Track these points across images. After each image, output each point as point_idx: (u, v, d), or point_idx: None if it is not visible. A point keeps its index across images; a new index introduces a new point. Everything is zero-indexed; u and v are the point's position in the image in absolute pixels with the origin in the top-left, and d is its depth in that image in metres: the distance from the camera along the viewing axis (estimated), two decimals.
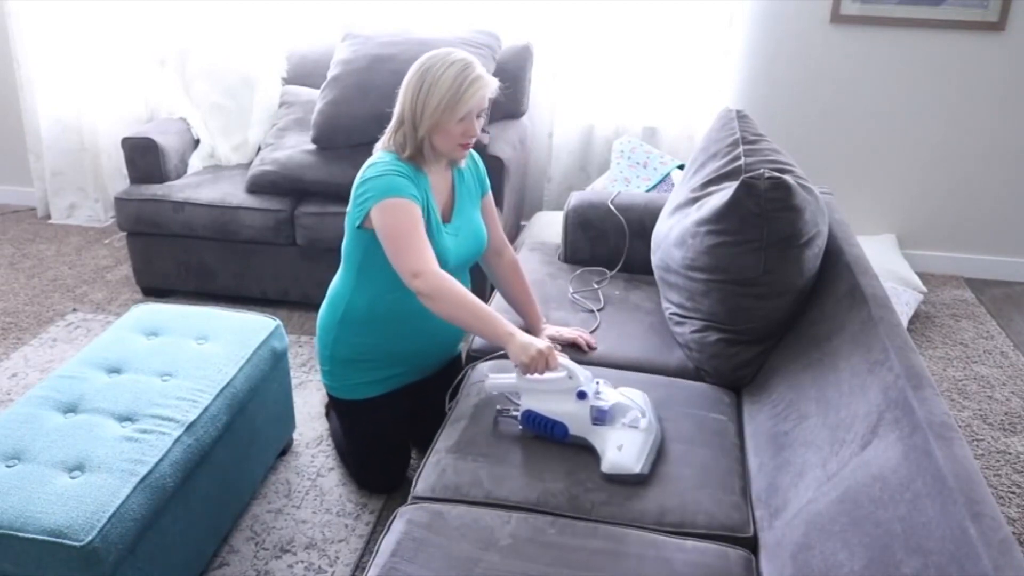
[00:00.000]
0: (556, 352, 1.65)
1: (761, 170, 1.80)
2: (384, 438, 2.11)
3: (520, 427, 1.69)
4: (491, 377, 1.77)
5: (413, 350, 2.01)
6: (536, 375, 1.64)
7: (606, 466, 1.58)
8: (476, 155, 2.09)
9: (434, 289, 1.68)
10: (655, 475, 1.60)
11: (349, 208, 1.87)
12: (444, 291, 1.68)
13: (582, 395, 1.64)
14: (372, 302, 1.92)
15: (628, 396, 1.69)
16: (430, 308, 1.70)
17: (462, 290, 1.70)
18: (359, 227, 1.82)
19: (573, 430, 1.65)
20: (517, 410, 1.70)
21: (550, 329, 2.09)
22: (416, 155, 1.85)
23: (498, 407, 1.76)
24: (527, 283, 2.14)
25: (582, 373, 1.66)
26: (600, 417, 1.63)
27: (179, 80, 3.42)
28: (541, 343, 1.64)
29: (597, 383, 1.68)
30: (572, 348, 2.04)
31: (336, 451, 2.29)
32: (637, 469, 1.56)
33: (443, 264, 1.83)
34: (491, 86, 1.84)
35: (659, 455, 1.64)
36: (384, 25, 3.26)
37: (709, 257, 1.88)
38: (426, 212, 1.83)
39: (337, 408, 2.12)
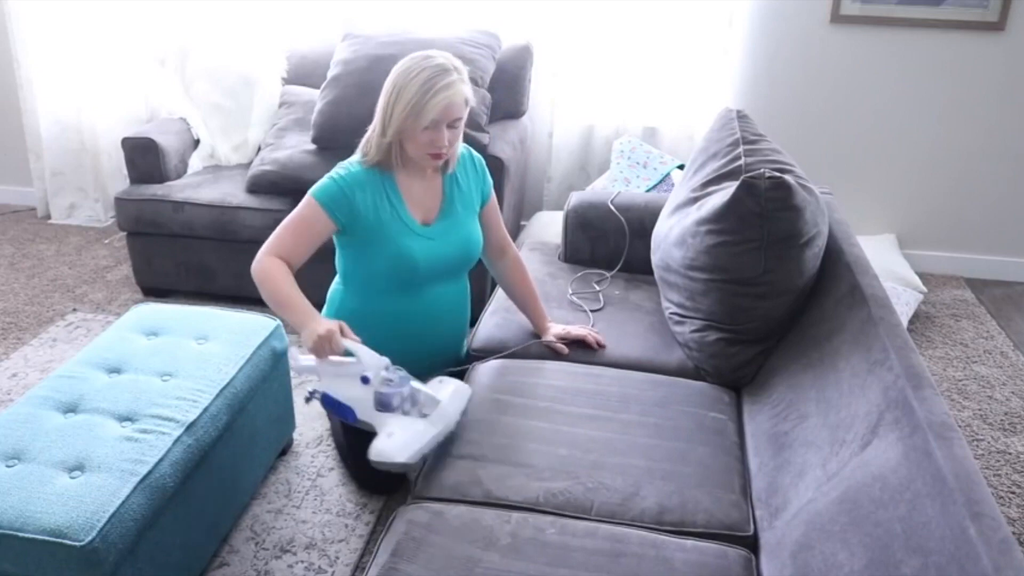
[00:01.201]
0: (348, 338, 1.69)
1: (761, 170, 1.80)
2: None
3: (325, 408, 1.76)
4: (294, 358, 1.80)
5: (409, 353, 1.98)
6: (329, 359, 1.69)
7: (371, 453, 1.60)
8: (479, 159, 2.07)
9: (256, 273, 1.81)
10: (656, 473, 1.60)
11: None
12: (262, 274, 1.79)
13: (365, 380, 1.66)
14: (362, 304, 1.97)
15: (435, 388, 1.71)
16: (257, 284, 1.81)
17: (278, 278, 1.78)
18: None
19: (360, 414, 1.68)
20: (318, 393, 1.76)
21: (556, 328, 2.09)
22: (384, 160, 1.87)
23: (310, 388, 1.80)
24: (531, 283, 2.14)
25: (371, 359, 1.67)
26: (384, 403, 1.65)
27: (179, 80, 3.42)
28: (323, 327, 1.67)
29: (387, 370, 1.69)
30: (581, 346, 2.04)
31: (336, 451, 2.29)
32: (401, 459, 1.56)
33: (412, 265, 1.89)
34: (462, 94, 1.79)
35: (446, 443, 1.64)
36: (384, 25, 3.27)
37: (709, 257, 1.88)
38: (379, 214, 1.87)
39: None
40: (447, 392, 1.72)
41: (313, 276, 3.03)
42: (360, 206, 1.86)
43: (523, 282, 2.13)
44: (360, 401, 1.68)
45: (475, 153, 2.06)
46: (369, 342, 1.91)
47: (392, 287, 1.94)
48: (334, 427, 2.29)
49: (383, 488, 2.15)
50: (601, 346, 2.06)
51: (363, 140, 1.92)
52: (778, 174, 1.79)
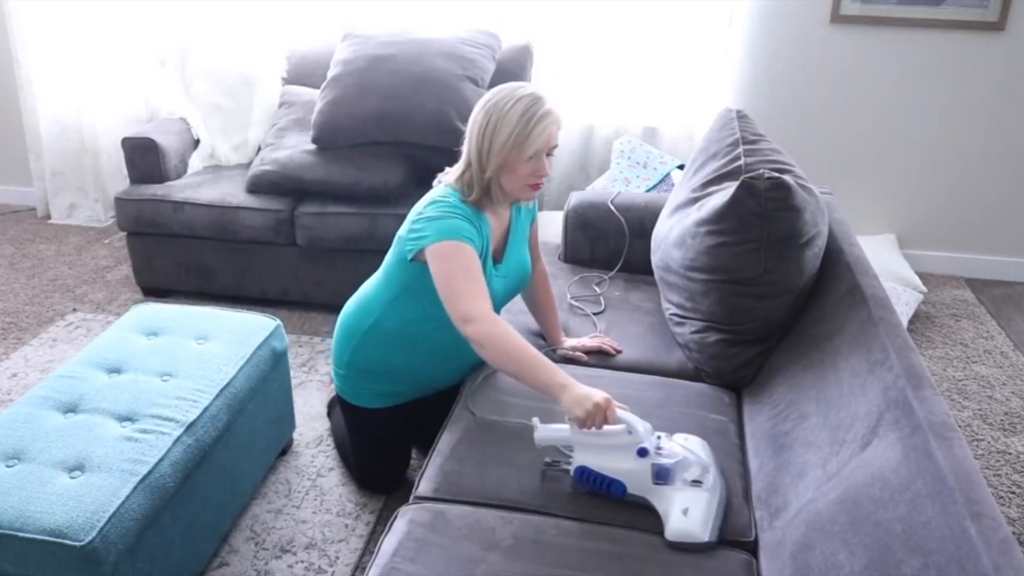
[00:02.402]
0: (616, 405, 1.52)
1: (761, 170, 1.80)
2: (388, 443, 2.11)
3: (573, 482, 1.56)
4: (541, 428, 1.60)
5: (432, 373, 1.98)
6: (592, 429, 1.51)
7: (671, 533, 1.44)
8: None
9: (486, 337, 1.61)
10: None
11: (402, 234, 1.80)
12: (497, 339, 1.60)
13: (643, 452, 1.49)
14: (403, 324, 1.87)
15: (689, 447, 1.55)
16: (480, 354, 1.64)
17: (514, 339, 1.61)
18: (410, 260, 1.77)
19: (632, 489, 1.51)
20: (568, 463, 1.57)
21: (571, 341, 2.07)
22: (482, 197, 1.78)
23: (547, 459, 1.61)
24: (553, 296, 2.11)
25: (642, 426, 1.51)
26: (662, 476, 1.49)
27: (179, 80, 3.42)
28: (598, 395, 1.51)
29: (659, 437, 1.54)
30: (598, 354, 2.04)
31: (337, 450, 2.29)
32: (706, 537, 1.43)
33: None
34: (559, 122, 1.75)
35: (725, 516, 1.50)
36: (384, 25, 3.26)
37: (709, 257, 1.88)
38: (482, 257, 1.76)
39: (344, 410, 2.11)
40: (701, 451, 1.56)
41: (313, 276, 3.00)
42: (477, 238, 1.75)
43: (546, 294, 2.10)
44: (634, 474, 1.50)
45: None
46: (394, 359, 1.87)
47: (447, 323, 1.73)
48: (335, 427, 2.29)
49: (383, 488, 2.15)
50: (618, 351, 2.05)
51: (451, 178, 1.82)
52: (777, 174, 1.79)
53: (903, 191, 3.52)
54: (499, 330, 1.61)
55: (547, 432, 1.59)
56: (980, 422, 2.54)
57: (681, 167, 3.21)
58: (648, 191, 3.07)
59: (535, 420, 1.61)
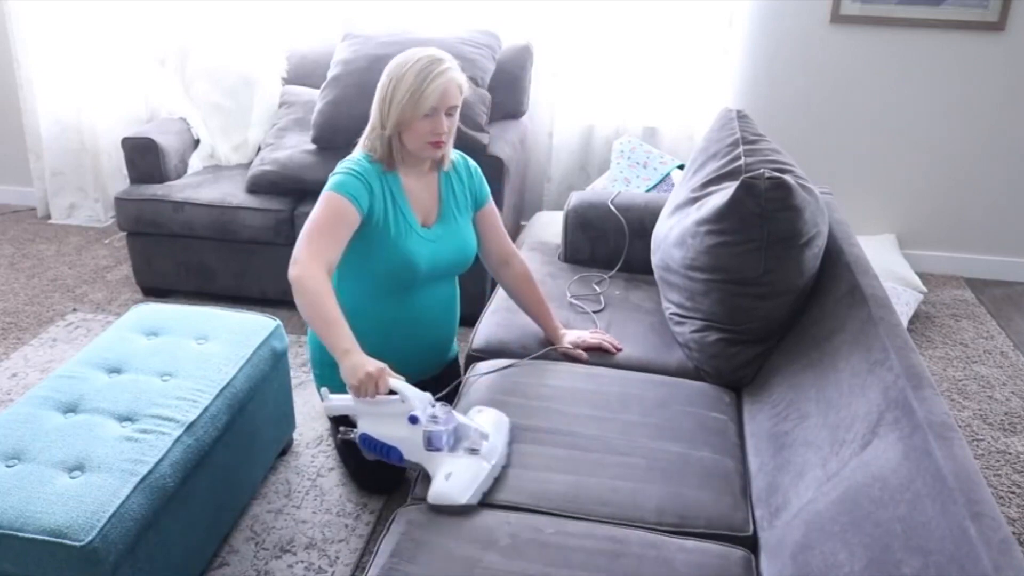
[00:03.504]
0: (391, 375, 1.59)
1: (761, 170, 1.80)
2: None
3: (363, 451, 1.66)
4: (329, 398, 1.70)
5: (399, 354, 1.93)
6: (369, 398, 1.58)
7: (431, 496, 1.51)
8: (473, 166, 2.06)
9: (296, 282, 1.67)
10: (656, 474, 1.59)
11: None
12: (305, 286, 1.66)
13: (413, 420, 1.56)
14: (354, 304, 1.88)
15: (478, 420, 1.64)
16: (294, 298, 1.70)
17: (321, 292, 1.66)
18: None
19: (407, 455, 1.59)
20: (354, 434, 1.65)
21: (571, 335, 2.07)
22: (386, 156, 1.87)
23: (340, 428, 1.72)
24: (539, 292, 2.11)
25: (417, 397, 1.58)
26: (434, 442, 1.56)
27: (179, 80, 3.42)
28: (372, 365, 1.57)
29: (434, 406, 1.60)
30: (597, 351, 2.04)
31: (337, 452, 2.29)
32: (463, 500, 1.49)
33: (413, 268, 1.87)
34: (457, 81, 1.82)
35: (496, 480, 1.56)
36: (384, 25, 3.27)
37: (709, 257, 1.88)
38: (387, 214, 1.85)
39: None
40: (490, 423, 1.65)
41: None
42: (375, 196, 1.84)
43: (531, 292, 2.09)
44: (407, 441, 1.59)
45: (470, 160, 2.06)
46: (360, 344, 1.89)
47: (388, 289, 1.93)
48: (336, 429, 2.29)
49: (383, 488, 2.15)
50: (618, 349, 2.05)
51: (362, 139, 1.92)
52: (778, 174, 1.79)
53: (903, 191, 3.52)
54: (310, 283, 1.66)
55: (334, 402, 1.69)
56: (980, 422, 2.54)
57: (681, 167, 3.21)
58: (648, 191, 3.08)
59: (323, 390, 1.72)
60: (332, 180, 1.83)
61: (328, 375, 2.00)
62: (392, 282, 1.93)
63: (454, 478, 1.52)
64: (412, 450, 1.59)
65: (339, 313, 1.66)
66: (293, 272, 1.69)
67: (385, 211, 1.86)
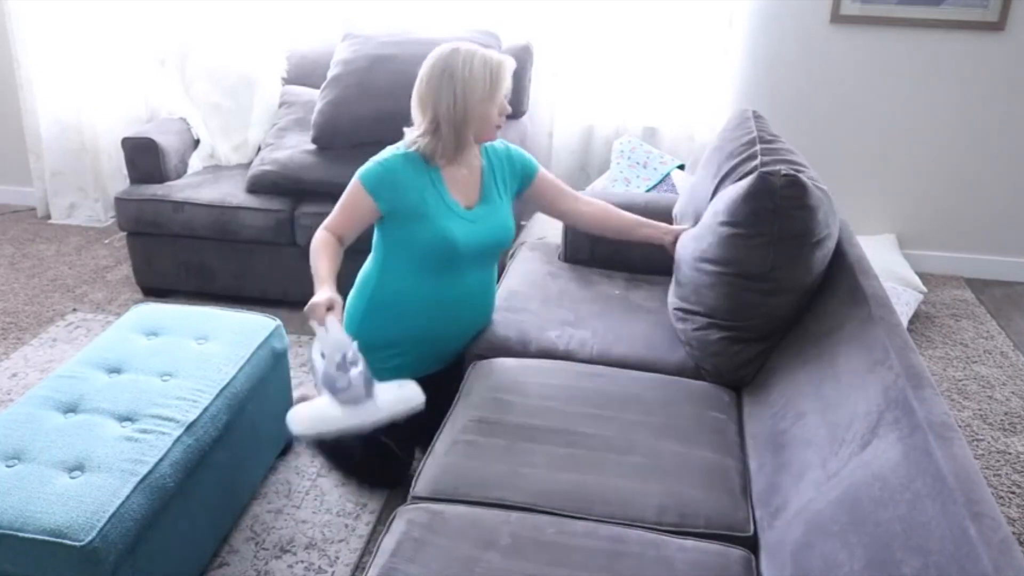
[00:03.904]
0: (333, 313, 1.73)
1: (778, 167, 1.80)
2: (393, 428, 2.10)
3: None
4: (307, 420, 1.75)
5: (440, 336, 2.08)
6: (315, 327, 1.74)
7: (288, 414, 1.70)
8: (514, 150, 2.14)
9: (312, 243, 1.92)
10: (656, 473, 1.59)
11: None
12: (312, 244, 1.92)
13: (322, 355, 1.71)
14: (398, 287, 2.00)
15: (387, 389, 1.74)
16: None
17: (319, 249, 1.90)
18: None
19: (317, 380, 1.74)
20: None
21: (674, 229, 2.21)
22: (445, 151, 1.94)
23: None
24: (622, 213, 2.23)
25: (334, 339, 1.70)
26: (326, 381, 1.69)
27: (179, 80, 3.42)
28: (322, 296, 1.76)
29: (349, 354, 1.69)
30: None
31: (324, 458, 2.26)
32: (296, 430, 1.69)
33: (454, 246, 1.96)
34: (511, 62, 1.96)
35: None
36: (384, 25, 3.26)
37: (720, 249, 1.88)
38: (425, 199, 1.94)
39: None
40: (390, 396, 1.73)
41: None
42: (406, 188, 1.93)
43: (616, 217, 2.22)
44: (318, 372, 1.73)
45: (510, 144, 2.14)
46: (403, 324, 2.03)
47: (430, 269, 1.99)
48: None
49: (384, 482, 2.15)
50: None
51: (419, 142, 1.94)
52: (794, 172, 1.79)
53: (903, 191, 3.52)
54: (315, 242, 1.92)
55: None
56: (980, 422, 2.54)
57: (681, 167, 3.21)
58: (648, 191, 3.07)
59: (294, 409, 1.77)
60: (365, 168, 1.95)
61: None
62: (434, 262, 1.98)
63: (308, 410, 1.71)
64: (317, 379, 1.74)
65: (324, 262, 1.87)
66: (312, 238, 1.93)
67: (422, 193, 1.94)
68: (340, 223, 1.96)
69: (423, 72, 1.94)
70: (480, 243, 2.01)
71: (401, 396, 1.75)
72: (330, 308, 1.75)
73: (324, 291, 1.80)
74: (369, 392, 1.70)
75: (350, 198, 1.95)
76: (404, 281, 2.00)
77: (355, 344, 1.72)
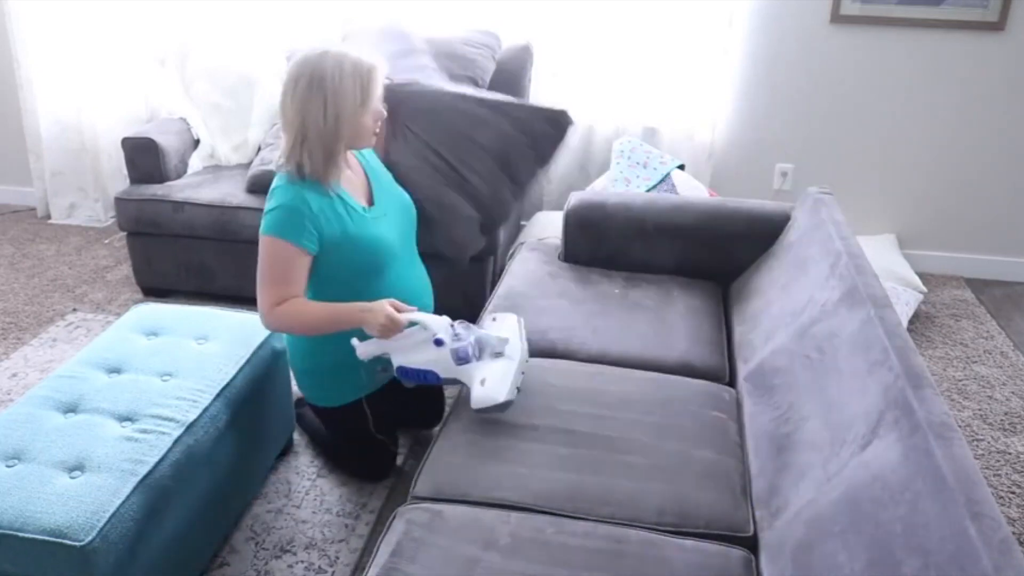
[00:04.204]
0: (406, 310, 1.78)
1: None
2: (381, 422, 2.12)
3: (404, 382, 1.85)
4: (359, 346, 1.83)
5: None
6: (397, 336, 1.76)
7: (474, 403, 1.69)
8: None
9: (276, 326, 1.84)
10: (656, 473, 1.60)
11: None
12: (286, 320, 1.81)
13: (439, 343, 1.75)
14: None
15: (494, 328, 1.85)
16: (287, 332, 1.91)
17: (303, 309, 1.80)
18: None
19: (443, 374, 1.78)
20: (393, 367, 1.83)
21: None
22: (325, 166, 1.80)
23: (378, 368, 1.92)
24: None
25: (436, 322, 1.78)
26: (462, 357, 1.75)
27: (179, 80, 3.42)
28: (383, 314, 1.74)
29: (453, 325, 1.78)
30: None
31: (322, 457, 2.27)
32: (502, 398, 1.67)
33: (388, 249, 1.91)
34: (383, 65, 1.82)
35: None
36: (378, 28, 3.23)
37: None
38: (340, 220, 1.83)
39: (326, 414, 2.12)
40: (508, 327, 1.84)
41: None
42: (319, 219, 1.80)
43: None
44: (438, 362, 1.77)
45: None
46: (350, 346, 1.89)
47: (365, 283, 1.90)
48: (314, 428, 2.30)
49: (379, 475, 2.16)
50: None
51: (282, 160, 1.82)
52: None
53: (903, 191, 3.52)
54: (285, 318, 1.80)
55: (366, 347, 1.83)
56: (980, 422, 2.54)
57: (681, 167, 3.21)
58: (648, 191, 3.08)
59: (353, 341, 1.83)
60: (269, 221, 1.78)
61: (328, 381, 2.03)
62: (369, 273, 1.91)
63: (488, 382, 1.69)
64: (445, 368, 1.77)
65: (327, 306, 1.81)
66: (267, 324, 1.83)
67: (338, 218, 1.83)
68: (283, 292, 1.79)
69: (288, 81, 1.77)
70: (400, 232, 1.99)
71: (509, 324, 1.87)
72: (395, 309, 1.76)
73: (371, 308, 1.76)
74: (495, 335, 1.79)
75: (279, 263, 1.77)
76: (352, 295, 1.87)
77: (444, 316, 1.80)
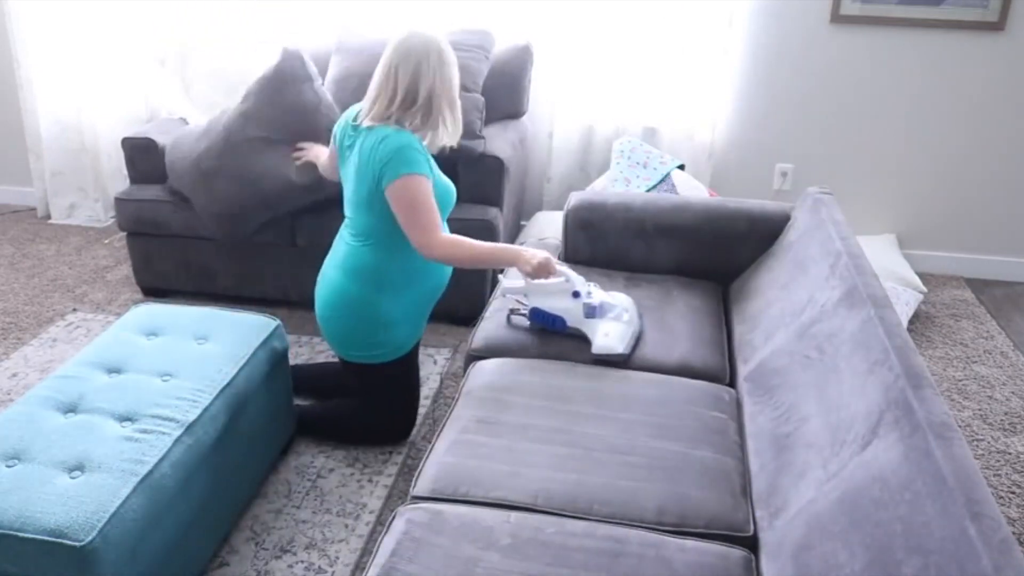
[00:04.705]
0: (554, 261, 2.01)
1: None
2: (418, 373, 2.32)
3: (528, 322, 2.08)
4: (505, 280, 2.13)
5: (443, 276, 2.21)
6: (541, 279, 2.01)
7: (595, 349, 1.97)
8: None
9: (448, 256, 1.99)
10: (657, 473, 1.60)
11: (370, 180, 1.96)
12: (456, 253, 1.99)
13: (576, 295, 2.01)
14: (405, 260, 2.07)
15: (615, 297, 2.08)
16: (447, 265, 2.08)
17: (468, 245, 1.99)
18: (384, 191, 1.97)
19: (570, 323, 2.03)
20: (525, 309, 2.09)
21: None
22: (427, 127, 2.01)
23: (510, 308, 2.14)
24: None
25: (576, 277, 2.03)
26: (590, 312, 2.02)
27: (179, 80, 3.42)
28: (542, 255, 2.00)
29: (589, 285, 2.05)
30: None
31: (336, 429, 2.34)
32: (620, 349, 1.96)
33: (449, 204, 2.13)
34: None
35: (638, 343, 2.04)
36: (375, 32, 3.23)
37: None
38: (430, 162, 2.03)
39: (390, 371, 2.20)
40: (623, 299, 2.09)
41: (313, 276, 3.02)
42: (428, 157, 2.02)
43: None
44: (570, 312, 2.03)
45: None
46: (417, 291, 2.15)
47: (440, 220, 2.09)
48: (323, 415, 2.35)
49: (411, 426, 2.32)
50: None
51: (390, 118, 1.98)
52: None
53: (903, 191, 3.52)
54: (451, 242, 1.99)
55: (509, 284, 2.12)
56: (980, 422, 2.54)
57: (681, 167, 3.21)
58: (648, 191, 3.08)
59: (500, 276, 2.18)
60: (410, 160, 1.93)
61: (394, 335, 2.15)
62: (443, 212, 2.10)
63: (611, 336, 1.98)
64: (574, 318, 2.03)
65: (486, 243, 2.03)
66: (433, 253, 1.97)
67: (429, 163, 2.03)
68: (436, 218, 1.98)
69: (411, 51, 1.98)
70: (443, 206, 2.12)
71: (622, 296, 2.11)
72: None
73: (527, 249, 2.01)
74: (615, 302, 2.06)
75: (422, 193, 1.95)
76: (412, 256, 2.04)
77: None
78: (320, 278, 2.18)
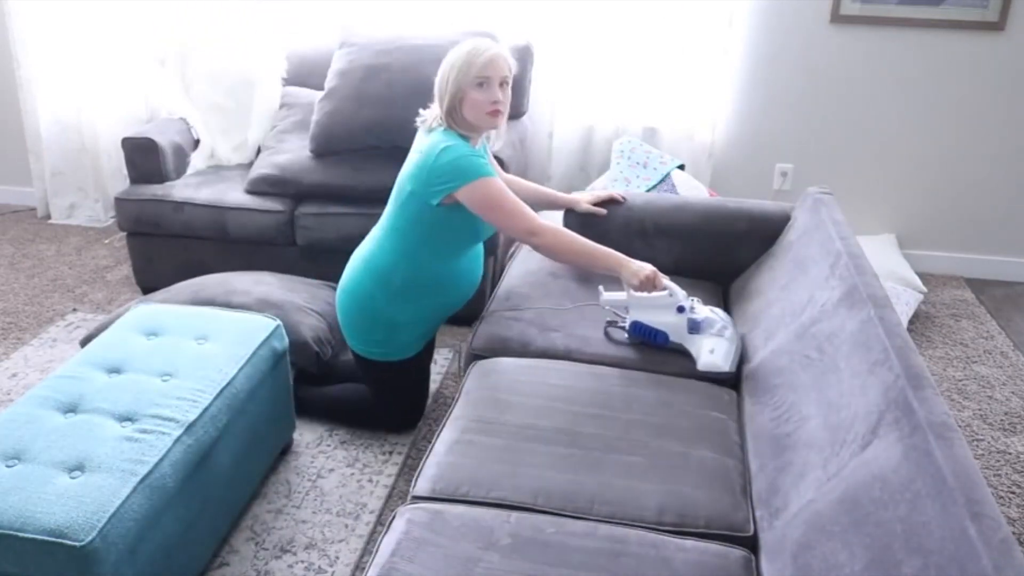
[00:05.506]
0: (660, 275, 1.99)
1: None
2: (426, 372, 2.37)
3: (627, 335, 2.05)
4: (604, 293, 2.07)
5: (460, 297, 2.23)
6: (644, 293, 1.97)
7: (701, 365, 1.95)
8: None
9: (551, 244, 2.00)
10: (657, 473, 1.60)
11: (419, 187, 1.99)
12: (560, 242, 2.00)
13: (681, 309, 1.98)
14: (420, 270, 2.10)
15: (716, 312, 2.03)
16: (548, 256, 2.07)
17: (572, 237, 2.02)
18: (437, 205, 1.98)
19: (673, 338, 2.00)
20: (624, 322, 2.06)
21: (586, 195, 2.44)
22: (453, 127, 2.02)
23: (607, 320, 2.11)
24: (524, 181, 2.46)
25: (680, 291, 1.99)
26: (694, 327, 1.98)
27: (179, 80, 3.42)
28: (648, 267, 1.97)
29: (692, 300, 2.01)
30: (610, 202, 2.43)
31: (346, 419, 2.39)
32: (726, 368, 1.93)
33: (482, 234, 2.13)
34: (503, 55, 2.00)
35: (742, 361, 1.99)
36: (380, 29, 3.24)
37: None
38: (484, 157, 2.07)
39: (394, 370, 2.23)
40: (722, 314, 2.04)
41: (313, 276, 2.99)
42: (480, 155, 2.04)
43: (521, 186, 2.39)
44: (673, 326, 1.99)
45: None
46: (429, 300, 2.16)
47: (469, 244, 2.13)
48: (331, 403, 2.39)
49: (410, 422, 2.36)
50: (624, 199, 2.43)
51: (435, 122, 2.04)
52: None
53: (903, 191, 3.52)
54: (558, 235, 2.00)
55: (609, 296, 2.07)
56: (980, 422, 2.54)
57: (681, 167, 3.21)
58: (648, 191, 3.08)
59: (600, 288, 2.11)
60: (476, 167, 1.95)
61: (400, 336, 2.18)
62: (480, 229, 2.11)
63: (716, 352, 1.95)
64: (677, 333, 2.00)
65: (588, 241, 2.02)
66: (540, 240, 1.98)
67: (484, 158, 2.05)
68: (528, 209, 2.00)
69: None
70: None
71: (721, 312, 2.05)
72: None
73: (635, 261, 1.99)
74: (716, 318, 2.01)
75: (500, 192, 1.97)
76: (428, 265, 2.09)
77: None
78: (350, 259, 2.23)
